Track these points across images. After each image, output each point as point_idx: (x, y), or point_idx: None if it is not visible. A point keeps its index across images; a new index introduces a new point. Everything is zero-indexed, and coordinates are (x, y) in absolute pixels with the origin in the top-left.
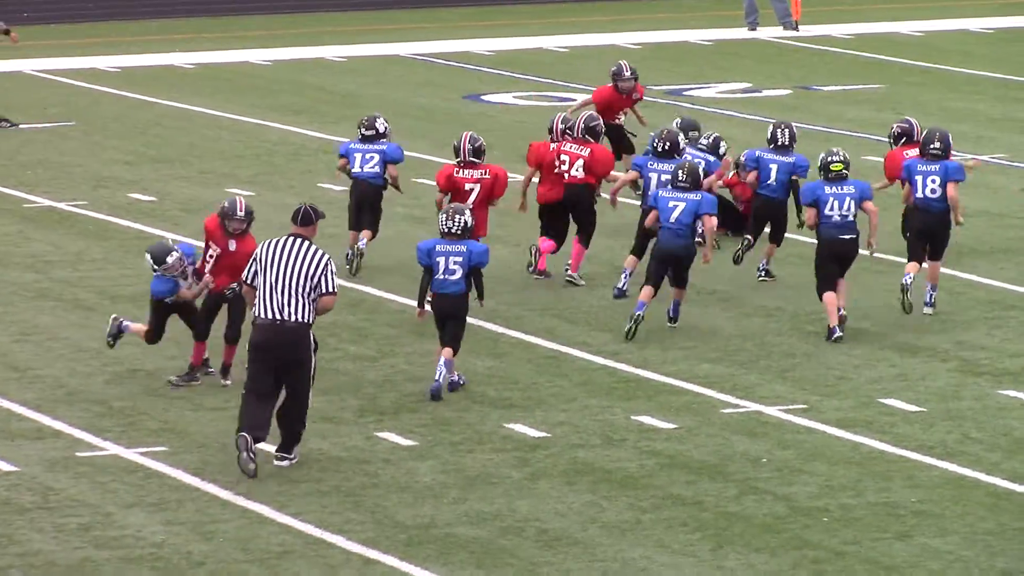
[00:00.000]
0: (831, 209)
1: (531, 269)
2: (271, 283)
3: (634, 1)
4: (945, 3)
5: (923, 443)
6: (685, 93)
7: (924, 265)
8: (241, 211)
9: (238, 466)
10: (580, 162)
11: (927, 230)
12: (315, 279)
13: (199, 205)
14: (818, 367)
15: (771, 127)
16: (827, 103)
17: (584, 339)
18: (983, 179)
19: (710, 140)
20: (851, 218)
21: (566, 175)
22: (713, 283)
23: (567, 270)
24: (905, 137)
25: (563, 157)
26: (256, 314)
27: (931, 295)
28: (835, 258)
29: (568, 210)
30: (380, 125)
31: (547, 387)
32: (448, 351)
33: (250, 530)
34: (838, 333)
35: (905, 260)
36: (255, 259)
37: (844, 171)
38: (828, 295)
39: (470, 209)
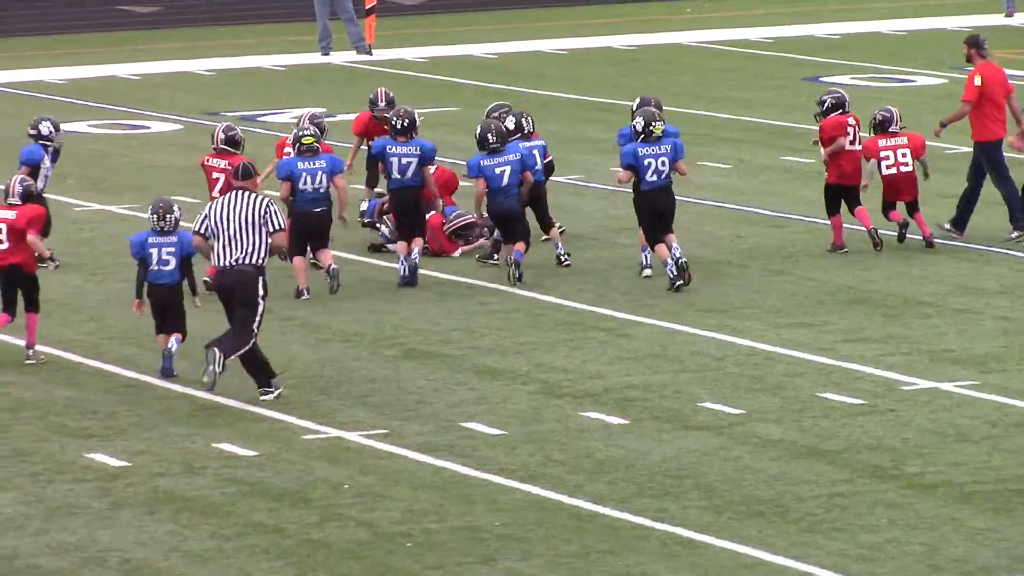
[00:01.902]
0: (304, 184)
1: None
2: (227, 233)
3: (207, 27)
4: (519, 25)
5: (505, 466)
6: (259, 119)
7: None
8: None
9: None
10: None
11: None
12: (263, 220)
13: None
14: (398, 392)
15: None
16: None
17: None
18: (559, 201)
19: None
20: (323, 191)
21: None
22: (291, 309)
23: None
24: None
25: None
26: (216, 262)
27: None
28: (305, 230)
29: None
30: (44, 128)
31: (127, 416)
32: (176, 336)
33: None
34: (306, 296)
35: None
36: (206, 215)
37: (315, 144)
38: (297, 259)
39: (177, 206)
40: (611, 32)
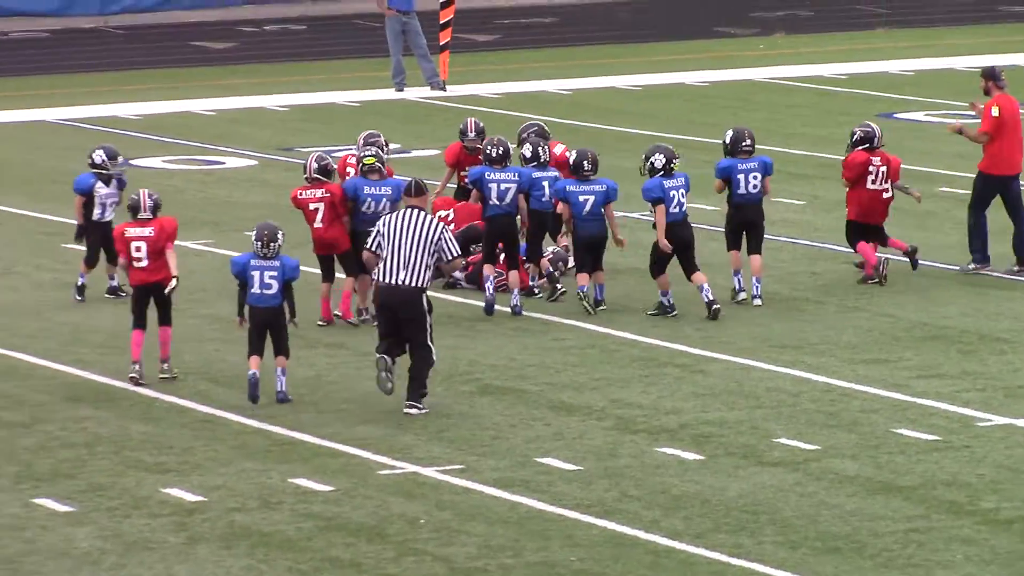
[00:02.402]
0: (367, 208)
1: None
2: (393, 250)
3: (281, 63)
4: (592, 61)
5: (581, 501)
6: (335, 155)
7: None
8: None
9: (377, 385)
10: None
11: (746, 222)
12: (436, 245)
13: None
14: (473, 427)
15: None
16: None
17: (238, 402)
18: (633, 236)
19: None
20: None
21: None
22: (368, 345)
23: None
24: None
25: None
26: (378, 278)
27: (758, 287)
28: (359, 251)
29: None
30: (96, 156)
31: (203, 451)
32: (282, 359)
33: None
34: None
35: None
36: (377, 231)
37: (377, 164)
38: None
39: (281, 232)
40: (684, 68)
